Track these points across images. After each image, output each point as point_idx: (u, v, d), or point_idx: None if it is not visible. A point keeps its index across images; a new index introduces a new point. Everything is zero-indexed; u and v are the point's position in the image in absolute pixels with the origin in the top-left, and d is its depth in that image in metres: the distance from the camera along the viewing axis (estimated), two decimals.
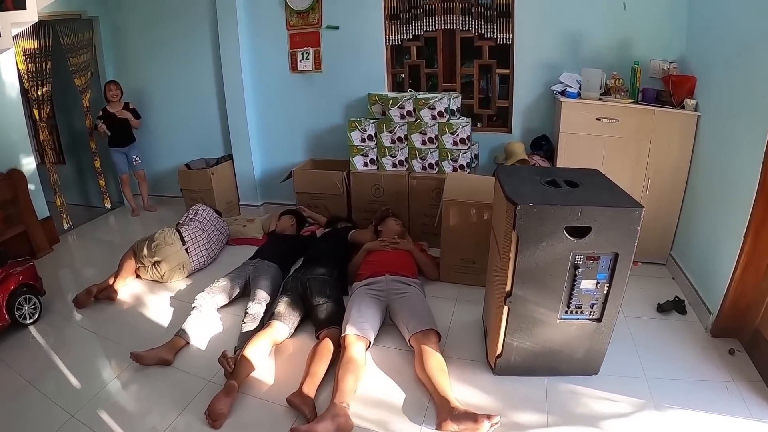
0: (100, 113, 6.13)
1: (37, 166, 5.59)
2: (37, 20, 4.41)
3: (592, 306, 2.79)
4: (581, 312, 2.81)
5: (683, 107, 4.02)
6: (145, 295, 4.40)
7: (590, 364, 3.00)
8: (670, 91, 4.09)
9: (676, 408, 2.78)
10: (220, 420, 2.78)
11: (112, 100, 6.14)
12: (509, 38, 4.92)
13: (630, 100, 4.22)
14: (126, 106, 6.25)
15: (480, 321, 3.64)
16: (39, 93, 5.89)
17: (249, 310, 3.65)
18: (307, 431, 2.52)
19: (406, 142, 4.96)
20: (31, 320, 3.99)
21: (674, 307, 3.73)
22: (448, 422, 2.62)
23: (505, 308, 2.80)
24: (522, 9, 4.78)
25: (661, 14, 4.34)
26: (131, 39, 6.52)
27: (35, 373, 3.41)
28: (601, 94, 4.34)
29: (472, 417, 2.60)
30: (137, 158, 6.50)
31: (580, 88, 4.42)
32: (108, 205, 7.05)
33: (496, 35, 4.96)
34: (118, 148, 6.34)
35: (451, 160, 4.81)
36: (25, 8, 4.22)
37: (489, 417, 2.58)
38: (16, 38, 4.59)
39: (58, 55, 6.02)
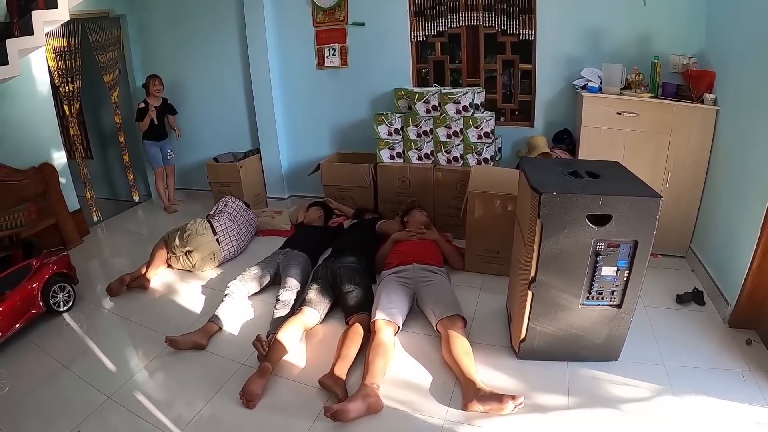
0: (142, 104, 6.24)
1: (66, 160, 5.74)
2: (68, 18, 4.52)
3: (612, 292, 2.85)
4: (602, 298, 2.87)
5: (702, 102, 4.03)
6: (177, 284, 4.52)
7: (610, 350, 3.06)
8: (689, 85, 4.10)
9: (693, 394, 2.83)
10: (254, 400, 2.89)
11: (155, 94, 6.25)
12: (531, 34, 4.98)
13: (650, 95, 4.25)
14: (164, 102, 6.39)
15: (503, 309, 3.71)
16: (69, 89, 6.04)
17: (280, 297, 3.75)
18: (340, 410, 2.62)
19: (431, 136, 5.04)
20: (65, 308, 4.13)
21: (693, 298, 3.76)
22: (474, 403, 2.71)
23: (530, 293, 2.87)
24: (544, 5, 4.84)
25: (680, 9, 4.36)
26: (158, 36, 6.65)
27: (71, 357, 3.54)
28: (621, 89, 4.38)
29: (497, 397, 2.68)
30: (171, 153, 6.62)
31: (601, 83, 4.47)
32: (136, 199, 7.19)
33: (519, 31, 5.02)
34: (155, 142, 6.44)
35: (476, 153, 4.89)
36: (56, 7, 4.33)
37: (513, 397, 2.66)
38: (46, 36, 4.71)
39: (87, 53, 6.16)
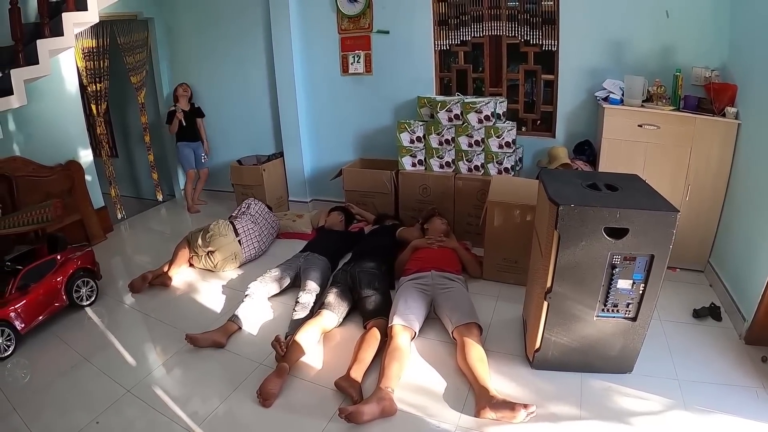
0: (173, 108, 6.42)
1: (93, 158, 5.86)
2: (97, 20, 4.59)
3: (627, 305, 2.87)
4: (617, 310, 2.89)
5: (724, 115, 4.00)
6: (198, 283, 4.59)
7: (624, 363, 3.07)
8: (711, 98, 4.08)
9: (705, 410, 2.81)
10: (270, 399, 2.94)
11: (183, 94, 6.46)
12: (554, 44, 4.98)
13: (671, 108, 4.22)
14: (192, 107, 6.54)
15: (520, 318, 3.72)
16: (96, 89, 6.16)
17: (300, 299, 3.81)
18: (354, 412, 2.66)
19: (453, 144, 5.06)
20: (88, 302, 4.24)
21: (710, 313, 3.73)
22: (487, 410, 2.73)
23: (545, 304, 2.89)
24: (567, 16, 4.83)
25: (703, 22, 4.33)
26: (185, 39, 6.76)
27: (91, 350, 3.64)
28: (643, 101, 4.36)
29: (510, 405, 2.70)
30: (205, 156, 6.77)
31: (622, 95, 4.46)
32: (160, 198, 7.32)
33: (542, 41, 5.02)
34: (187, 143, 6.58)
35: (496, 162, 4.90)
36: (86, 9, 4.40)
37: (526, 406, 2.68)
38: (76, 37, 4.79)
39: (115, 54, 6.29)
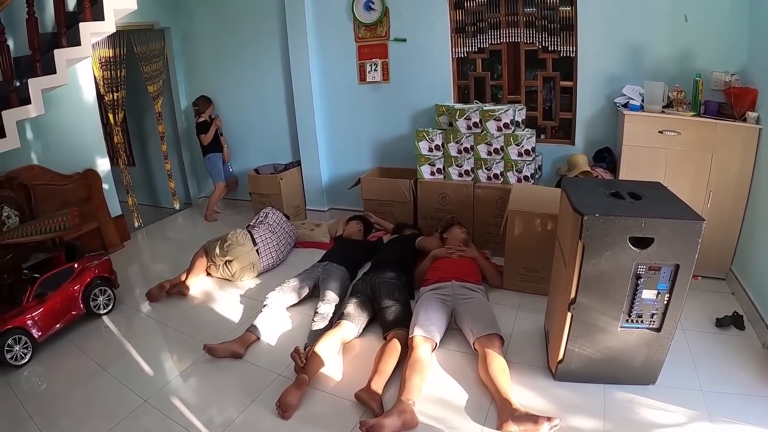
0: (201, 119, 6.50)
1: (110, 167, 5.90)
2: (114, 30, 4.62)
3: (652, 316, 2.83)
4: (641, 321, 2.85)
5: (745, 120, 3.95)
6: (216, 292, 4.59)
7: (648, 374, 3.03)
8: (731, 103, 4.03)
9: (730, 422, 2.77)
10: (290, 411, 2.92)
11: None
12: (572, 51, 4.94)
13: (692, 113, 4.17)
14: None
15: (541, 328, 3.68)
16: (113, 98, 6.20)
17: (319, 310, 3.79)
18: (375, 425, 2.63)
19: (472, 153, 5.03)
20: (105, 311, 4.27)
21: (732, 322, 3.68)
22: (509, 422, 2.69)
23: (569, 315, 2.86)
24: (585, 22, 4.79)
25: (722, 26, 4.28)
26: (201, 48, 6.80)
27: (108, 359, 3.66)
28: (663, 107, 4.32)
29: (533, 418, 2.67)
30: (231, 167, 6.85)
31: (642, 101, 4.42)
32: (177, 206, 7.33)
33: (560, 48, 4.99)
34: (221, 153, 6.67)
35: (516, 170, 4.87)
36: (103, 19, 4.42)
37: (549, 419, 2.64)
38: (93, 47, 4.82)
39: (132, 64, 6.34)
